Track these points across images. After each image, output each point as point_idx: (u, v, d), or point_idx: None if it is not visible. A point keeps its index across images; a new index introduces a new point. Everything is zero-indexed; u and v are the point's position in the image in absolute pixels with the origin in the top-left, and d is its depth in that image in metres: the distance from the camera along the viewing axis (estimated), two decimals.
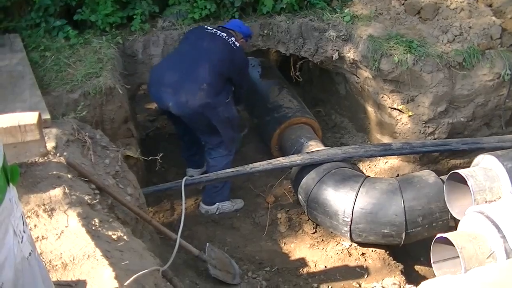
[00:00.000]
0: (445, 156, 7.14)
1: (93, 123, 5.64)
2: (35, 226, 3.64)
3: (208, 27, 6.47)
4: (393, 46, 6.57)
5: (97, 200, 4.16)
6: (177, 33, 6.79)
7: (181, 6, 6.91)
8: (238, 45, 6.35)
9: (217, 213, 6.59)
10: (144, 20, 6.75)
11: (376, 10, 7.15)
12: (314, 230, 6.34)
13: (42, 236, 3.58)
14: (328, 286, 5.70)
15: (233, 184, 6.81)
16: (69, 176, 4.15)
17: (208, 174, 6.22)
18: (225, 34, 6.31)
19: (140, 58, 6.77)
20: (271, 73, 7.91)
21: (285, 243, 6.24)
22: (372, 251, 6.07)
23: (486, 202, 4.87)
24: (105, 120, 5.91)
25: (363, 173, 6.43)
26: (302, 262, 5.98)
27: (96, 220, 3.86)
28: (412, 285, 5.49)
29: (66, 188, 3.96)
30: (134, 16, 6.70)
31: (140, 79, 6.89)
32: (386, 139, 7.14)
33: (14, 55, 5.80)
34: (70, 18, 6.53)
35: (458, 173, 5.03)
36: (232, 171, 6.16)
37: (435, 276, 4.68)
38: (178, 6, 6.93)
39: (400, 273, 5.87)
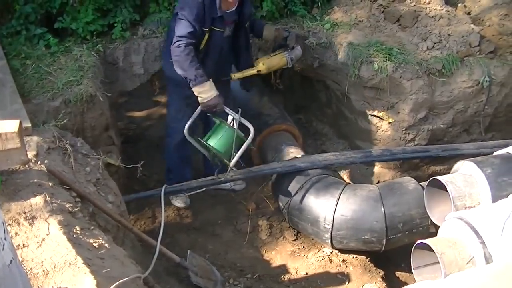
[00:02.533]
0: (425, 163, 7.18)
1: (74, 130, 5.63)
2: (16, 234, 3.64)
3: None
4: (373, 54, 6.60)
5: (78, 208, 4.16)
6: (157, 41, 6.78)
7: (162, 14, 6.90)
8: None
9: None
10: (125, 28, 6.74)
11: (356, 18, 7.18)
12: (295, 237, 6.35)
13: (23, 244, 3.58)
14: None
15: (215, 191, 6.85)
16: (50, 184, 4.15)
17: (189, 182, 6.22)
18: None
19: (121, 66, 6.76)
20: (251, 81, 7.90)
21: (266, 250, 6.25)
22: (353, 257, 6.09)
23: (465, 208, 4.90)
24: (86, 127, 5.90)
25: (343, 180, 6.45)
26: (284, 269, 6.00)
27: (77, 228, 3.87)
28: None
29: (47, 196, 3.96)
30: (115, 24, 6.69)
31: (121, 87, 6.89)
32: (366, 146, 7.16)
33: None
34: (51, 26, 6.51)
35: (438, 179, 5.06)
36: (213, 179, 6.16)
37: (415, 281, 4.71)
38: (158, 14, 6.92)
39: (381, 279, 5.90)
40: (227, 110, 5.93)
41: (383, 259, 6.09)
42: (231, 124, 5.98)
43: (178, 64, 5.79)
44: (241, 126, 5.91)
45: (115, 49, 6.72)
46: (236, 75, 6.44)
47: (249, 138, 5.85)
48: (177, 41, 5.73)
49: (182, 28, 5.75)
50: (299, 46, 6.64)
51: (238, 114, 5.86)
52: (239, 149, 5.86)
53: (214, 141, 5.94)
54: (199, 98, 5.83)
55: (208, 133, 6.04)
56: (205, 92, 5.79)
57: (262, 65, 6.50)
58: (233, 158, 5.83)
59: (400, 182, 6.01)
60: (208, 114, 6.06)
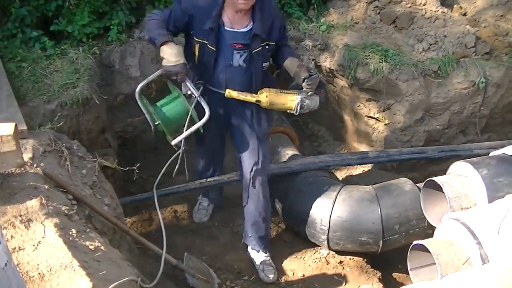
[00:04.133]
0: (421, 164, 7.17)
1: (70, 133, 5.63)
2: (11, 237, 3.63)
3: None
4: (369, 55, 6.61)
5: (74, 210, 4.15)
6: None
7: None
8: None
9: None
10: (121, 31, 6.75)
11: (352, 19, 7.19)
12: (292, 238, 6.35)
13: (19, 247, 3.57)
14: None
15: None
16: (46, 186, 4.14)
17: (186, 184, 6.17)
18: None
19: (117, 69, 6.76)
20: None
21: None
22: (349, 259, 6.09)
23: (462, 209, 4.88)
24: (82, 130, 5.90)
25: (340, 181, 6.45)
26: (280, 271, 5.99)
27: (73, 231, 3.85)
28: None
29: (43, 199, 3.94)
30: (111, 27, 6.70)
31: (117, 89, 6.88)
32: (363, 148, 7.17)
33: None
34: (47, 28, 6.51)
35: (434, 180, 5.05)
36: (210, 181, 6.15)
37: (412, 282, 4.70)
38: None
39: (377, 281, 5.90)
40: (189, 83, 5.24)
41: (380, 260, 6.08)
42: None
43: (145, 29, 5.46)
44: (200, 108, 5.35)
45: (111, 51, 6.73)
46: (231, 93, 5.39)
47: (201, 121, 5.24)
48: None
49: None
50: (317, 97, 5.55)
51: (198, 91, 5.28)
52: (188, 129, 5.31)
53: (165, 110, 5.37)
54: (163, 61, 5.01)
55: (161, 101, 5.44)
56: (172, 55, 4.95)
57: (265, 97, 5.43)
58: (178, 136, 5.30)
59: (397, 183, 6.00)
60: (167, 81, 5.41)
